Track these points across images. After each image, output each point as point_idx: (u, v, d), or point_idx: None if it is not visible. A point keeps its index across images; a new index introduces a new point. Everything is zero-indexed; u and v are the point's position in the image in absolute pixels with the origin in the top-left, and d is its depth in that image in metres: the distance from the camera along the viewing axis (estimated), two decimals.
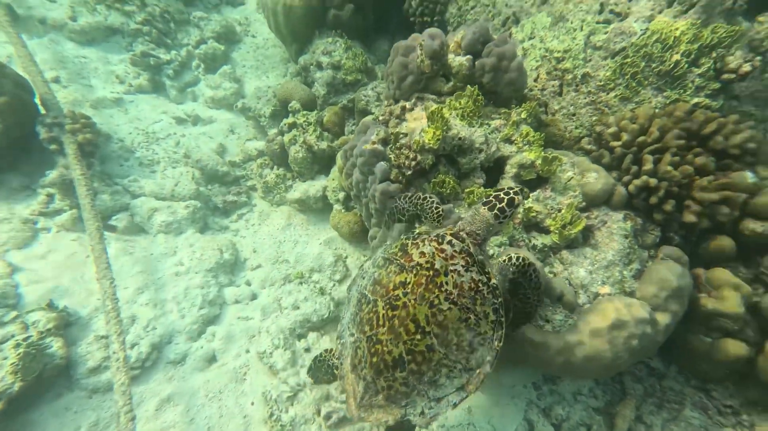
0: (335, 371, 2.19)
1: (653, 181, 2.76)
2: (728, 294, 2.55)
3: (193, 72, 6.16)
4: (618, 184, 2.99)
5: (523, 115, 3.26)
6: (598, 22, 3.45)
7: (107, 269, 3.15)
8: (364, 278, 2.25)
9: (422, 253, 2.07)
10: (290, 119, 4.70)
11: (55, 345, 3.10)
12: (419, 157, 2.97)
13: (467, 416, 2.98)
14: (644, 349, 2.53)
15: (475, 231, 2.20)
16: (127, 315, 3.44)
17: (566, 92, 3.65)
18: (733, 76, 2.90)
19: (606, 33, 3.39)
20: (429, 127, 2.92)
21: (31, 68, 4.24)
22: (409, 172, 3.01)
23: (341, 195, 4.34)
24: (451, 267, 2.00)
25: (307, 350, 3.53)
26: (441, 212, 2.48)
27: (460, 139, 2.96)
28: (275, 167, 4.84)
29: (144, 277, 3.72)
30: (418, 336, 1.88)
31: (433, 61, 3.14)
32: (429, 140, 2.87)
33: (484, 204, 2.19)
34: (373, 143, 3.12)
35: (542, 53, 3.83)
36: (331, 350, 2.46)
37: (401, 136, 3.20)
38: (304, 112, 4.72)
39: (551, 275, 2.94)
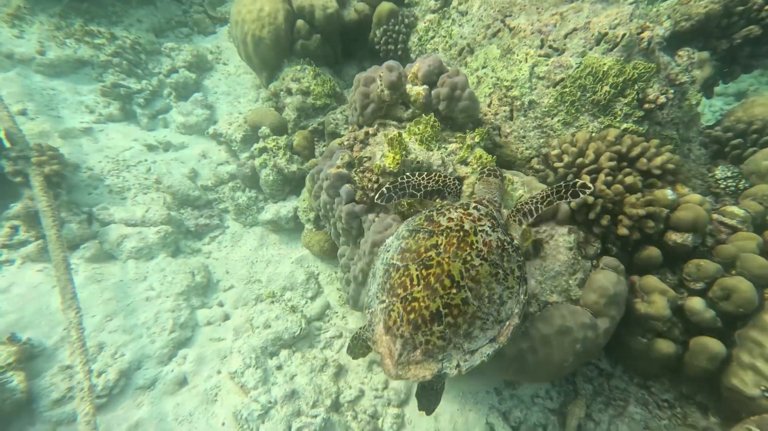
0: (368, 342, 2.19)
1: (591, 199, 3.03)
2: (657, 298, 2.81)
3: (165, 100, 6.17)
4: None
5: (476, 139, 3.50)
6: (540, 56, 3.79)
7: (72, 298, 3.10)
8: (388, 251, 2.30)
9: (450, 218, 2.24)
10: (260, 144, 4.80)
11: (16, 379, 2.99)
12: (381, 180, 3.13)
13: (434, 423, 3.08)
14: (588, 352, 2.73)
15: (493, 198, 2.51)
16: (95, 343, 3.36)
17: (516, 117, 3.95)
18: (653, 105, 3.26)
19: (547, 65, 3.72)
20: (389, 151, 3.10)
21: None
22: (372, 194, 3.16)
23: (312, 215, 4.44)
24: (480, 228, 2.18)
25: (279, 368, 3.55)
26: (460, 188, 2.74)
27: (418, 162, 3.15)
28: (247, 189, 4.90)
29: (113, 304, 3.66)
30: (454, 290, 1.97)
31: (392, 91, 3.36)
32: (389, 164, 3.05)
33: (488, 174, 2.62)
34: (338, 167, 3.27)
35: (494, 81, 4.14)
36: (363, 328, 2.39)
37: (365, 159, 3.36)
38: (274, 137, 4.84)
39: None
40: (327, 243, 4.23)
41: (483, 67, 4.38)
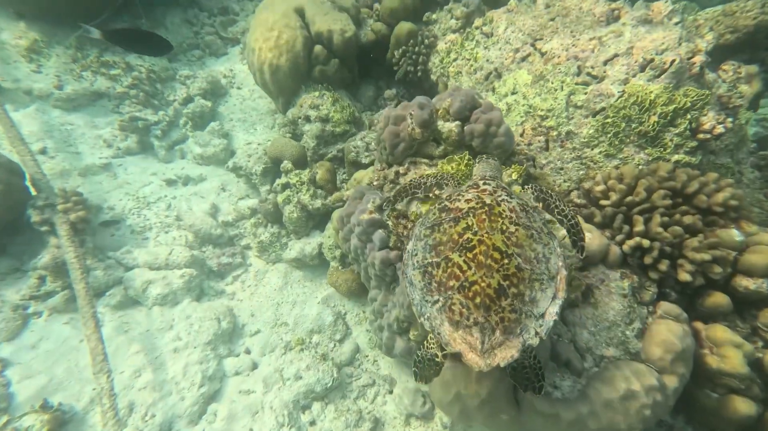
0: (436, 357, 2.10)
1: (646, 242, 2.83)
2: (731, 353, 2.58)
3: (181, 129, 6.19)
4: (612, 243, 3.06)
5: (513, 176, 3.34)
6: (577, 83, 3.61)
7: (103, 360, 3.05)
8: (416, 255, 2.23)
9: (467, 200, 2.26)
10: (283, 179, 4.72)
11: None
12: None
13: None
14: (656, 416, 2.52)
15: (494, 175, 2.62)
16: (125, 403, 3.30)
17: (552, 148, 3.77)
18: (708, 136, 3.05)
19: (585, 94, 3.54)
20: (422, 203, 2.97)
21: (20, 147, 4.20)
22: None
23: (337, 252, 4.33)
24: (499, 199, 2.24)
25: (312, 423, 3.42)
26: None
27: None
28: (269, 225, 4.83)
29: (141, 357, 3.60)
30: (506, 260, 1.98)
31: (424, 129, 3.23)
32: (424, 209, 2.91)
33: (487, 158, 2.81)
34: (370, 212, 3.15)
35: (526, 109, 3.98)
36: (425, 344, 2.27)
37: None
38: (297, 172, 4.76)
39: (555, 337, 2.95)
40: (355, 283, 4.11)
41: (513, 93, 4.23)
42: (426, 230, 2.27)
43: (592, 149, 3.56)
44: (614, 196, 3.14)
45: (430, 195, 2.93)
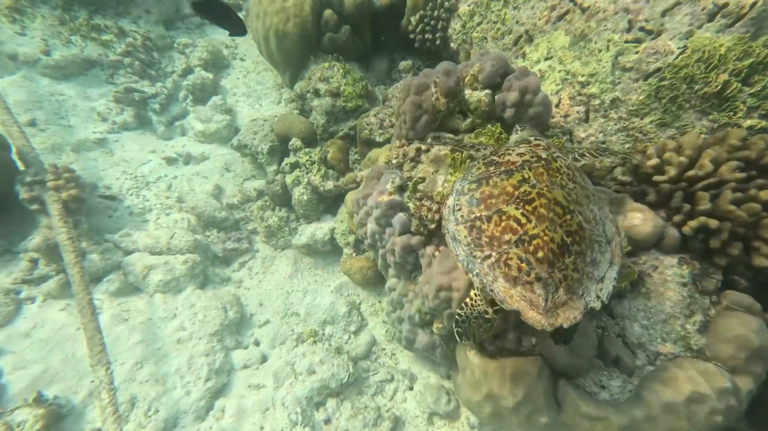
0: (486, 314, 2.03)
1: (714, 223, 2.45)
2: None
3: (181, 104, 5.86)
4: (668, 226, 2.68)
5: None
6: (626, 41, 3.16)
7: (101, 351, 2.83)
8: (459, 209, 2.06)
9: (520, 154, 2.12)
10: (292, 158, 4.39)
11: None
12: (442, 209, 2.65)
13: None
14: (728, 422, 2.21)
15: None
16: (126, 397, 3.10)
17: (593, 119, 3.35)
18: None
19: (637, 53, 3.10)
20: (451, 175, 2.61)
21: (5, 117, 3.92)
22: (433, 225, 2.69)
23: (351, 238, 4.02)
24: (554, 155, 2.13)
25: (327, 422, 3.19)
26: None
27: None
28: (277, 208, 4.53)
29: (142, 348, 3.38)
30: (568, 216, 1.88)
31: (449, 99, 2.85)
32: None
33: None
34: (390, 194, 2.81)
35: (563, 76, 3.54)
36: (469, 303, 2.15)
37: (419, 181, 2.89)
38: (306, 150, 4.42)
39: (600, 331, 2.63)
40: (370, 271, 3.81)
41: (546, 59, 3.78)
42: (470, 184, 2.11)
43: (642, 118, 3.13)
44: (672, 171, 2.73)
45: (462, 157, 2.62)
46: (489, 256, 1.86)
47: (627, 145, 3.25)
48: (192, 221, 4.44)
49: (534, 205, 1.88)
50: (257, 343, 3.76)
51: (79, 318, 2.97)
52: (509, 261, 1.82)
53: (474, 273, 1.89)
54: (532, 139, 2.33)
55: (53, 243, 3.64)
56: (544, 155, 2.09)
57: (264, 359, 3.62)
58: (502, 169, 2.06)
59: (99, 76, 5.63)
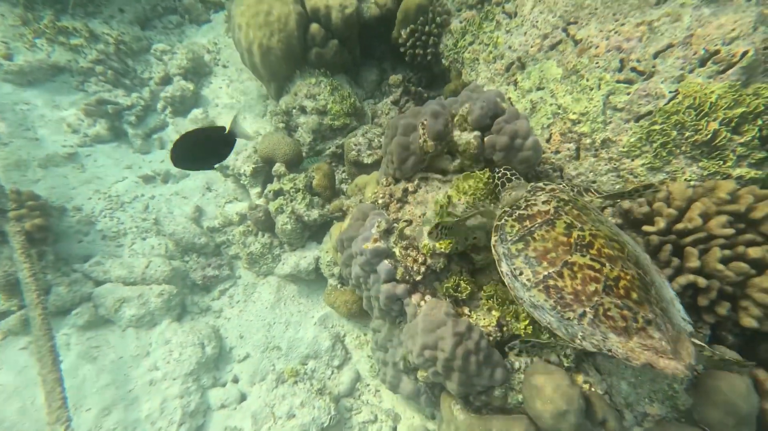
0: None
1: (702, 282, 2.43)
2: None
3: (159, 115, 5.63)
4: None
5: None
6: (618, 81, 3.12)
7: (61, 407, 2.67)
8: (521, 274, 1.96)
9: (545, 202, 2.09)
10: (275, 185, 4.25)
11: None
12: (429, 261, 2.59)
13: None
14: None
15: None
16: None
17: (584, 157, 3.31)
18: None
19: (628, 94, 3.06)
20: (436, 217, 2.53)
21: None
22: (419, 277, 2.62)
23: (336, 269, 3.92)
24: (573, 195, 2.16)
25: None
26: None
27: (474, 238, 2.57)
28: (260, 234, 4.39)
29: (111, 392, 3.24)
30: (625, 250, 1.86)
31: (437, 141, 2.76)
32: (440, 244, 2.48)
33: (508, 180, 2.56)
34: (375, 240, 2.72)
35: (554, 110, 3.49)
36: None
37: (405, 224, 2.80)
38: (291, 176, 4.27)
39: (586, 387, 2.60)
40: (355, 305, 3.73)
41: (539, 89, 3.72)
42: (515, 245, 2.02)
43: (633, 160, 3.10)
44: (661, 223, 2.70)
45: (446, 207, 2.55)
46: (584, 314, 1.75)
47: (618, 186, 3.22)
48: (170, 246, 4.28)
49: (596, 247, 1.82)
50: (236, 380, 3.65)
51: (39, 367, 2.81)
52: (609, 313, 1.70)
53: (579, 337, 1.76)
54: (541, 184, 2.34)
55: (14, 278, 3.44)
56: (566, 197, 2.08)
57: (243, 398, 3.52)
58: (539, 221, 1.99)
59: (68, 83, 5.34)
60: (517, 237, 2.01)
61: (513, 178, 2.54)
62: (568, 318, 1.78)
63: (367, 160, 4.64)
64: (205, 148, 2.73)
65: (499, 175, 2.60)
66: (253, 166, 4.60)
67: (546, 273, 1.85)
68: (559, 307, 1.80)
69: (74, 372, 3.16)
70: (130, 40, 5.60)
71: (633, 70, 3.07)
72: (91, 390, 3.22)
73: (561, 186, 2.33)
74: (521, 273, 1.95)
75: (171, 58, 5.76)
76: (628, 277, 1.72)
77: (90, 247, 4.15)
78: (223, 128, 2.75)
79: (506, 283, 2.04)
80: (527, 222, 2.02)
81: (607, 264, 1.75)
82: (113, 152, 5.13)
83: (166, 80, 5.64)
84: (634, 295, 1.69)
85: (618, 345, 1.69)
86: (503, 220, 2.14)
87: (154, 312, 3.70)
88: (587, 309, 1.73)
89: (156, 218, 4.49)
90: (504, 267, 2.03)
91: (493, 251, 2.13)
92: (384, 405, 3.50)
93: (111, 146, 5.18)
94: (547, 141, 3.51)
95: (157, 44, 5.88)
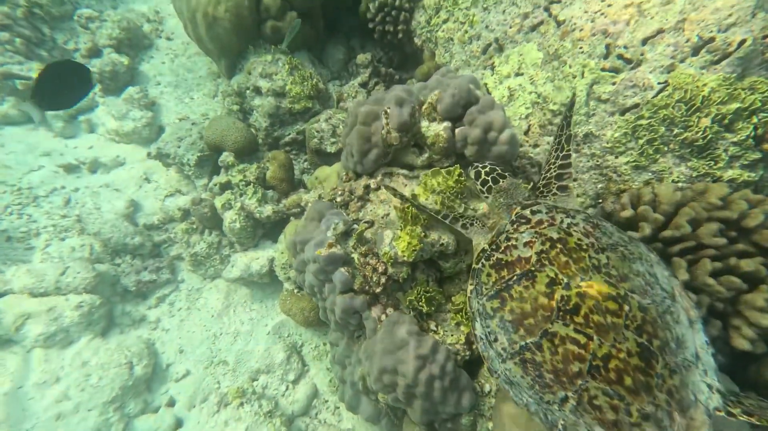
0: None
1: (692, 296, 2.20)
2: None
3: None
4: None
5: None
6: (603, 69, 2.83)
7: None
8: (495, 340, 1.64)
9: (527, 244, 1.72)
10: (222, 177, 3.72)
11: None
12: (390, 270, 2.24)
13: None
14: None
15: (523, 197, 2.08)
16: None
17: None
18: None
19: (614, 84, 2.79)
20: (402, 231, 2.17)
21: None
22: (378, 289, 2.25)
23: (292, 273, 3.49)
24: (563, 225, 1.75)
25: None
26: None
27: (442, 245, 2.23)
28: (206, 232, 3.87)
29: None
30: (626, 307, 1.50)
31: (403, 133, 2.37)
32: (403, 252, 2.13)
33: (494, 182, 2.15)
34: (330, 245, 2.32)
35: (533, 98, 3.19)
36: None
37: (366, 226, 2.42)
38: (241, 167, 3.76)
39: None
40: (313, 312, 3.34)
41: (517, 74, 3.41)
42: (491, 301, 1.68)
43: (617, 157, 2.85)
44: (647, 229, 2.47)
45: (413, 212, 2.17)
46: (565, 399, 1.44)
47: (600, 185, 2.97)
48: (96, 248, 3.69)
49: (583, 312, 1.48)
50: (172, 403, 3.19)
51: None
52: (595, 401, 1.40)
53: (560, 427, 1.46)
54: (527, 212, 1.90)
55: None
56: (555, 235, 1.68)
57: (178, 425, 3.07)
58: (518, 272, 1.64)
59: None
60: (493, 292, 1.69)
61: (500, 179, 2.13)
62: (548, 402, 1.48)
63: (331, 149, 4.20)
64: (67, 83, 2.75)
65: (485, 172, 2.18)
66: (199, 154, 4.03)
67: (523, 343, 1.55)
68: (537, 387, 1.50)
69: None
70: (47, 3, 4.75)
71: (619, 57, 2.78)
72: None
73: (547, 204, 1.96)
74: (496, 340, 1.64)
75: (100, 27, 4.97)
76: (622, 355, 1.41)
77: None
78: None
79: (479, 350, 1.71)
80: (504, 272, 1.69)
81: (595, 338, 1.44)
82: (27, 136, 4.37)
83: (95, 53, 4.87)
84: (628, 381, 1.38)
85: None
86: (480, 264, 1.80)
87: (69, 328, 3.14)
88: (569, 394, 1.44)
89: (79, 215, 3.85)
90: (478, 329, 1.71)
91: (467, 304, 1.85)
92: (343, 425, 3.17)
93: (24, 129, 4.42)
94: (525, 133, 3.21)
95: (83, 9, 5.05)
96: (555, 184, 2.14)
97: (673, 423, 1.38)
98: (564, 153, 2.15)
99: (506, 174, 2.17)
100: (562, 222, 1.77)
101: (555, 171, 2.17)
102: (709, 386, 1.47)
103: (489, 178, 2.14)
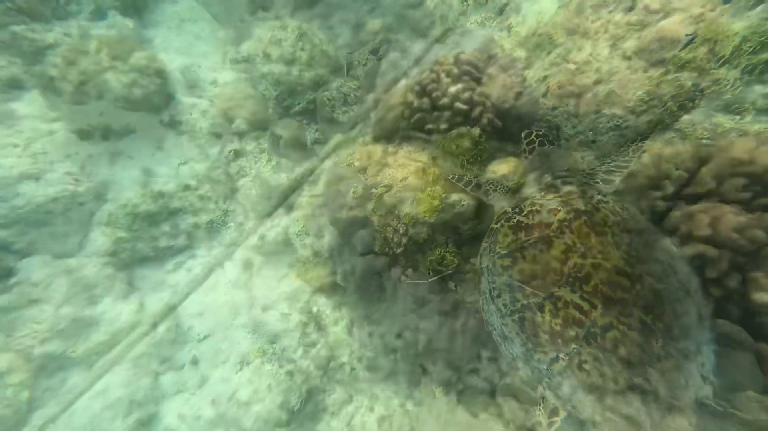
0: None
1: (714, 252, 2.20)
2: None
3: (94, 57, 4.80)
4: None
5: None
6: (628, 23, 2.72)
7: None
8: (498, 296, 1.70)
9: (551, 211, 1.73)
10: (236, 145, 3.70)
11: None
12: (411, 231, 2.24)
13: None
14: None
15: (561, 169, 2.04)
16: None
17: (584, 113, 2.96)
18: None
19: (638, 39, 2.68)
20: (423, 193, 2.17)
21: None
22: (400, 250, 2.28)
23: (308, 240, 3.54)
24: (595, 201, 1.75)
25: None
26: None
27: (462, 205, 2.23)
28: (220, 201, 3.89)
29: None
30: (638, 287, 1.53)
31: (421, 96, 2.33)
32: (424, 213, 2.13)
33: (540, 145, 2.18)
34: (350, 208, 2.33)
35: (552, 59, 3.09)
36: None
37: (384, 190, 2.42)
38: (255, 134, 3.73)
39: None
40: (329, 279, 3.39)
41: (535, 35, 3.29)
42: (503, 260, 1.71)
43: (638, 116, 2.78)
44: (669, 187, 2.43)
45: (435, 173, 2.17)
46: (556, 359, 1.50)
47: (621, 148, 2.91)
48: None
49: (593, 283, 1.51)
50: (195, 361, 3.32)
51: None
52: (584, 365, 1.45)
53: (544, 385, 1.52)
54: (558, 182, 1.95)
55: None
56: (582, 206, 1.69)
57: (203, 382, 3.21)
58: (536, 235, 1.66)
59: None
60: (506, 251, 1.72)
61: (547, 143, 2.20)
62: (538, 360, 1.54)
63: (342, 118, 4.16)
64: None
65: (536, 134, 2.26)
66: (211, 121, 4.00)
67: (525, 302, 1.59)
68: (530, 344, 1.56)
69: None
70: None
71: (645, 8, 2.67)
72: None
73: (582, 179, 1.95)
74: (499, 296, 1.68)
75: None
76: (622, 327, 1.46)
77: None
78: None
79: (480, 305, 1.76)
80: (522, 234, 1.71)
81: (599, 307, 1.47)
82: (35, 102, 4.35)
83: (99, 14, 4.77)
84: (622, 351, 1.43)
85: (587, 404, 1.47)
86: (500, 224, 1.81)
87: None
88: (561, 356, 1.49)
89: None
90: (483, 284, 1.77)
91: (478, 259, 1.85)
92: (360, 385, 3.28)
93: (32, 95, 4.38)
94: (544, 96, 3.13)
95: None
96: (602, 176, 2.12)
97: (657, 398, 1.42)
98: (625, 159, 2.16)
99: (555, 142, 2.21)
100: (592, 197, 1.78)
101: (608, 167, 2.16)
102: (704, 377, 1.51)
103: (536, 140, 2.16)
